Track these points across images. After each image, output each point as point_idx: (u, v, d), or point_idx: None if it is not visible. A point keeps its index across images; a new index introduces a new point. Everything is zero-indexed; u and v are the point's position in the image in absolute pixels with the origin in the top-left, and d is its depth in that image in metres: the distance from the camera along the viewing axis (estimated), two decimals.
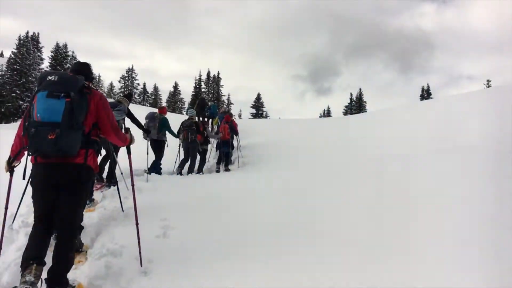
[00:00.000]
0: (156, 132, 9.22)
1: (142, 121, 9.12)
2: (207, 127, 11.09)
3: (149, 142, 9.31)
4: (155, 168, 9.23)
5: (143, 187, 6.75)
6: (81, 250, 3.95)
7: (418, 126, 13.20)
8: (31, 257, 2.79)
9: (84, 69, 3.30)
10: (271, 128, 22.69)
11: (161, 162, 9.47)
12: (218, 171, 11.15)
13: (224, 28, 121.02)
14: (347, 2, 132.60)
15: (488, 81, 55.32)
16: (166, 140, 9.53)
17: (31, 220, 3.61)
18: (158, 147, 9.33)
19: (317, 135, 16.99)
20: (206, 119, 18.02)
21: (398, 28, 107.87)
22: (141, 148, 9.72)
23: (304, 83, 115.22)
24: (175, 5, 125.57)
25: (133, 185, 3.98)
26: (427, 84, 63.64)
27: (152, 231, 4.20)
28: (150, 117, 9.42)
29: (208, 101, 22.73)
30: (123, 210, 5.13)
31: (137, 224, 3.61)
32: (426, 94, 61.63)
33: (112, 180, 6.98)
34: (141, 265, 3.37)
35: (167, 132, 9.61)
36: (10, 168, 3.23)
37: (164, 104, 72.19)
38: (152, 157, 9.38)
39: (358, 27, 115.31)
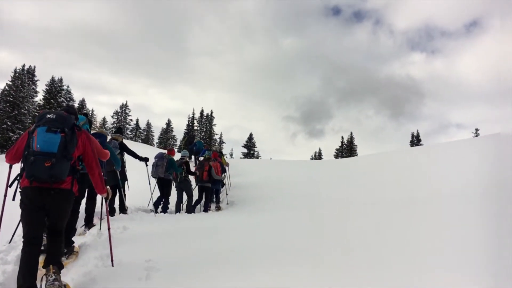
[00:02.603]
0: (163, 171, 9.91)
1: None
2: (212, 166, 11.15)
3: (156, 180, 10.10)
4: (161, 206, 9.88)
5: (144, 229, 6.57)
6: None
7: (408, 171, 13.28)
8: (25, 287, 3.21)
9: (73, 111, 3.94)
10: (262, 168, 22.67)
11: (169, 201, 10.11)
12: (206, 210, 10.95)
13: (219, 68, 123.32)
14: (340, 49, 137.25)
15: (477, 129, 56.53)
16: (172, 179, 10.36)
17: None
18: (165, 185, 10.10)
19: (307, 177, 16.96)
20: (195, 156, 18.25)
21: (389, 75, 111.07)
22: (141, 185, 9.83)
23: (296, 125, 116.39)
24: (173, 47, 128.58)
25: (109, 228, 4.62)
26: (417, 131, 64.58)
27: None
28: (160, 156, 10.17)
29: (199, 139, 22.96)
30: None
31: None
32: (416, 140, 62.49)
33: (124, 211, 8.49)
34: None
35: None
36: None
37: (156, 140, 72.31)
38: (155, 195, 10.04)
39: (351, 73, 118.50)
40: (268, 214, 8.86)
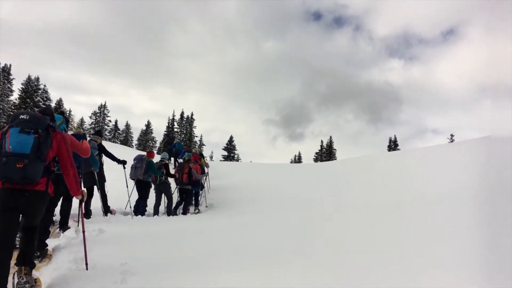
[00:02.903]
0: (142, 173, 9.78)
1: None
2: (192, 168, 11.08)
3: (134, 182, 9.93)
4: (139, 209, 9.70)
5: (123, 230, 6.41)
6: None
7: (388, 175, 13.46)
8: None
9: (49, 112, 3.90)
10: (242, 171, 22.62)
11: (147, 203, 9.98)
12: (185, 213, 10.82)
13: (201, 70, 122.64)
14: (320, 54, 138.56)
15: (452, 135, 57.99)
16: (151, 182, 10.21)
17: None
18: (144, 188, 9.95)
19: (287, 180, 17.00)
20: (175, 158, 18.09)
21: (368, 81, 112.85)
22: (118, 187, 9.66)
23: (276, 128, 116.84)
24: (155, 48, 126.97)
25: (83, 231, 4.45)
26: (394, 136, 65.71)
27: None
28: (139, 158, 10.02)
29: (179, 141, 22.70)
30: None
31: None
32: (393, 145, 63.60)
33: (108, 212, 8.51)
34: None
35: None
36: None
37: (135, 142, 71.32)
38: (133, 197, 9.87)
39: (331, 78, 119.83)
40: (247, 217, 8.82)
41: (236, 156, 70.38)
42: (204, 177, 12.79)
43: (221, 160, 62.83)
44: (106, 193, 8.57)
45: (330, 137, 71.80)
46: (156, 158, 11.16)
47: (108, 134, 68.47)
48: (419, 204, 7.18)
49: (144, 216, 9.33)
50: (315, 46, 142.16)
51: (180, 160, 14.17)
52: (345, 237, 5.40)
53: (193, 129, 72.20)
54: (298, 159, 71.89)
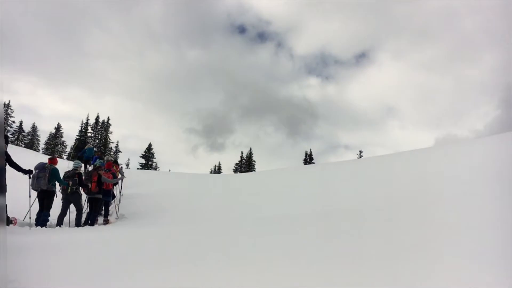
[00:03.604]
0: (46, 182, 8.99)
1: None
2: (102, 175, 10.39)
3: (36, 193, 9.13)
4: (41, 219, 8.92)
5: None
6: None
7: (299, 188, 13.96)
8: None
9: None
10: (159, 179, 21.90)
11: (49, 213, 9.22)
12: (92, 224, 10.10)
13: (119, 74, 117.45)
14: (244, 67, 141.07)
15: (360, 151, 62.48)
16: (56, 190, 9.46)
17: None
18: (47, 197, 9.10)
19: (204, 190, 16.82)
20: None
21: (288, 96, 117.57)
22: (20, 196, 8.67)
23: (198, 137, 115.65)
24: (69, 46, 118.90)
25: None
26: (310, 150, 68.83)
27: None
28: (41, 167, 9.19)
29: (92, 146, 21.11)
30: None
31: None
32: (309, 158, 66.54)
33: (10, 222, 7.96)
34: None
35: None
36: None
37: (42, 145, 65.70)
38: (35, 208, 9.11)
39: (252, 90, 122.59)
40: (154, 228, 8.45)
41: (154, 164, 68.19)
42: (116, 184, 12.12)
43: (138, 168, 60.43)
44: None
45: (250, 148, 72.85)
46: (64, 165, 10.32)
47: (11, 136, 62.17)
48: (330, 217, 7.49)
49: (44, 228, 8.51)
50: (239, 59, 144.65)
51: (90, 168, 13.27)
52: (231, 249, 5.34)
53: (109, 134, 68.58)
54: (218, 169, 71.85)
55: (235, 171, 67.54)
